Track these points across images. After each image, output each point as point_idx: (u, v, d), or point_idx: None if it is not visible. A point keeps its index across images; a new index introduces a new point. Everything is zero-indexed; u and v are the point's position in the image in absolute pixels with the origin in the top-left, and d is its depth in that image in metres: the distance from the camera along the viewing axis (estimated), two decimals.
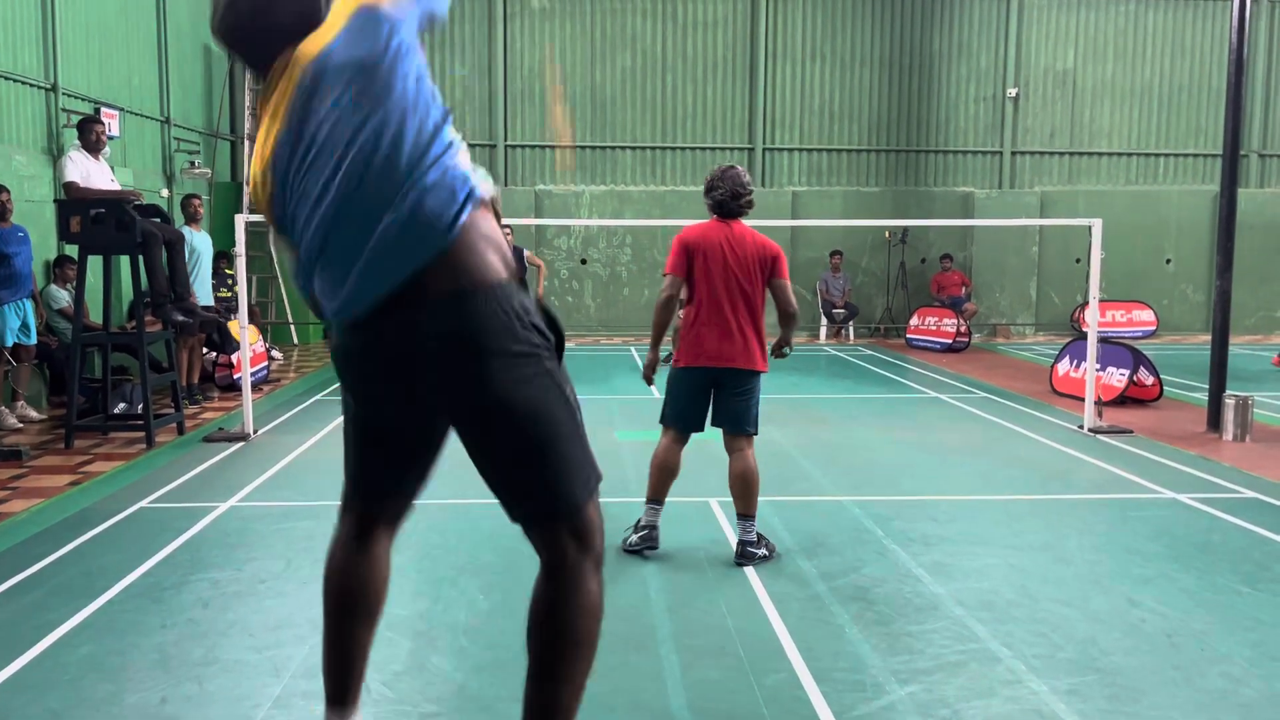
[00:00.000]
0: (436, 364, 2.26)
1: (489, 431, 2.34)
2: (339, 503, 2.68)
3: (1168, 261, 18.01)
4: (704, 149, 17.37)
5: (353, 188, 2.20)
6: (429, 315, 2.21)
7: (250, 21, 2.35)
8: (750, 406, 5.07)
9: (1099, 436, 8.34)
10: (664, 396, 5.16)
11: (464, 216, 2.21)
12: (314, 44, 2.28)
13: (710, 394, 5.04)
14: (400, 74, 2.26)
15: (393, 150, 2.19)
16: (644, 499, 5.19)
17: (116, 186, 8.56)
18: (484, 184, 2.31)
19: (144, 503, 6.15)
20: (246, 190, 15.36)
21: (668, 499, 5.23)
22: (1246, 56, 8.70)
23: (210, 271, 10.73)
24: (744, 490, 4.97)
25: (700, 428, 5.12)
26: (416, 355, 2.26)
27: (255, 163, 2.39)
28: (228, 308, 11.48)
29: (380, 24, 2.27)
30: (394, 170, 2.19)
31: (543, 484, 2.39)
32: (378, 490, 2.62)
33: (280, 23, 2.33)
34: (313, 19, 2.35)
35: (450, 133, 2.33)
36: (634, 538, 5.13)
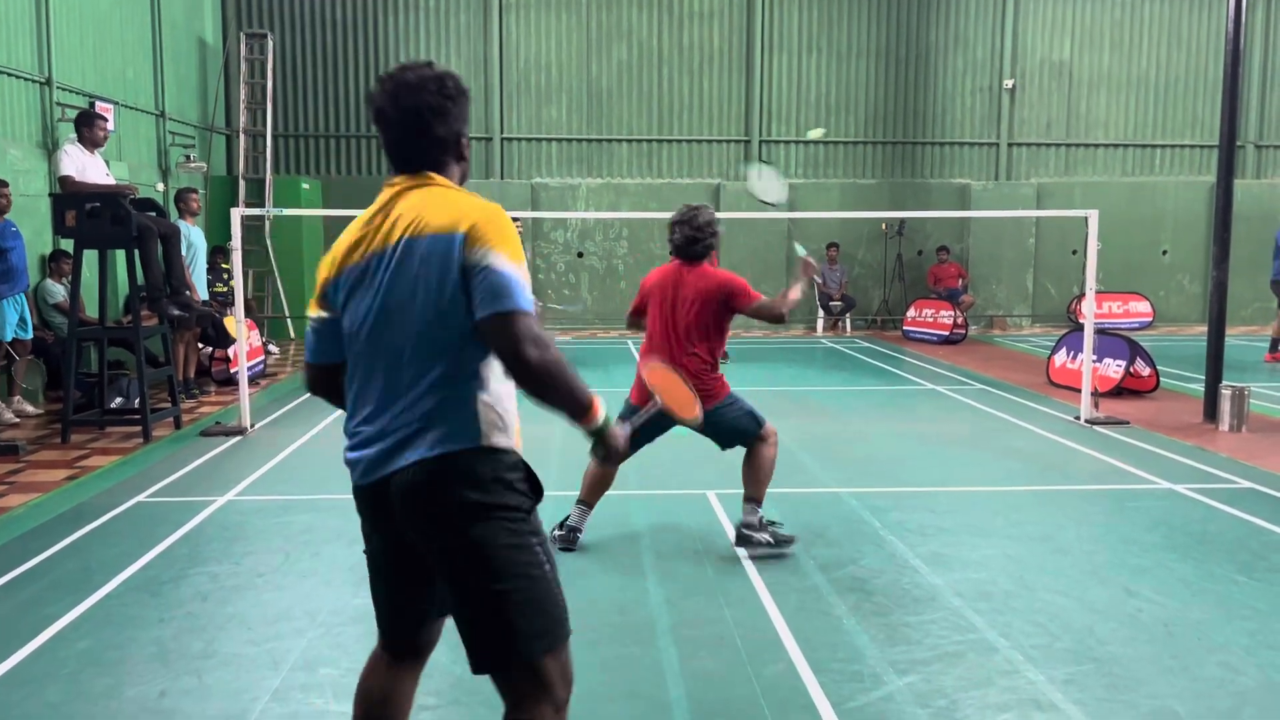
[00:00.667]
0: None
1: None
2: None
3: (1164, 253, 18.02)
4: (700, 141, 17.35)
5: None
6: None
7: (401, 117, 2.56)
8: (732, 425, 4.94)
9: (1096, 427, 8.35)
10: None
11: None
12: (436, 220, 2.35)
13: (660, 425, 4.44)
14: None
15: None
16: (630, 492, 5.16)
17: (112, 181, 8.53)
18: None
19: (141, 497, 6.14)
20: (241, 184, 15.34)
21: (666, 491, 5.22)
22: (1243, 47, 8.69)
23: (206, 266, 10.71)
24: (750, 475, 4.96)
25: (637, 448, 4.66)
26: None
27: (343, 248, 2.55)
28: (224, 302, 11.47)
29: (482, 283, 2.27)
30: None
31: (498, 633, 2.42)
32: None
33: (420, 144, 2.52)
34: (442, 159, 2.52)
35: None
36: (557, 533, 5.04)
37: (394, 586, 2.61)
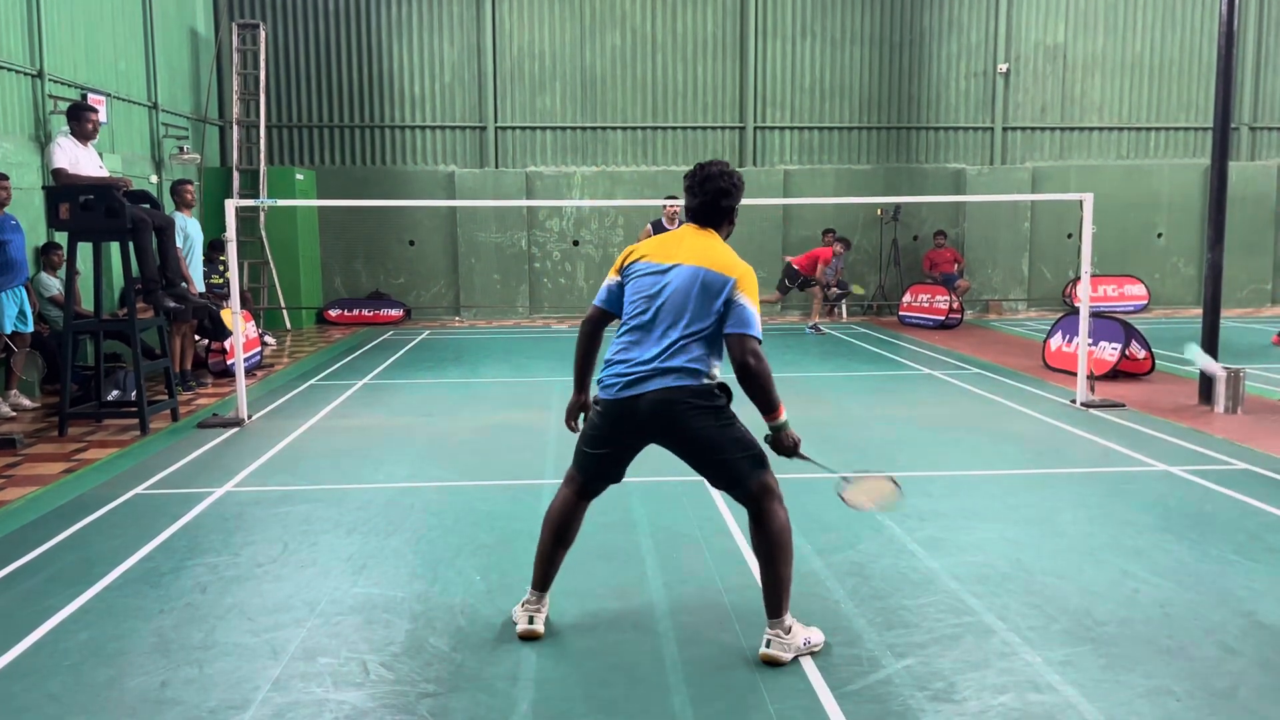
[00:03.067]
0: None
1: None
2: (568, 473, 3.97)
3: (1159, 235, 18.03)
4: (695, 128, 17.31)
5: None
6: None
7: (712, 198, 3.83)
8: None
9: (1091, 410, 8.37)
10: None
11: None
12: (708, 258, 3.73)
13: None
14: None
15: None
16: (629, 480, 5.15)
17: (105, 173, 8.51)
18: None
19: (139, 489, 6.15)
20: (235, 175, 15.30)
21: (665, 478, 5.22)
22: (1237, 29, 8.68)
23: (202, 257, 10.69)
24: None
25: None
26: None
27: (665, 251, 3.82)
28: (220, 294, 11.45)
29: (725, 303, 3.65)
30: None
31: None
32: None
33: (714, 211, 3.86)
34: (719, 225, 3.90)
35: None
36: None
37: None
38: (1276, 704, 3.28)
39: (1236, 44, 8.78)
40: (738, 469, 3.67)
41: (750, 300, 3.63)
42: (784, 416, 3.69)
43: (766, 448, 3.73)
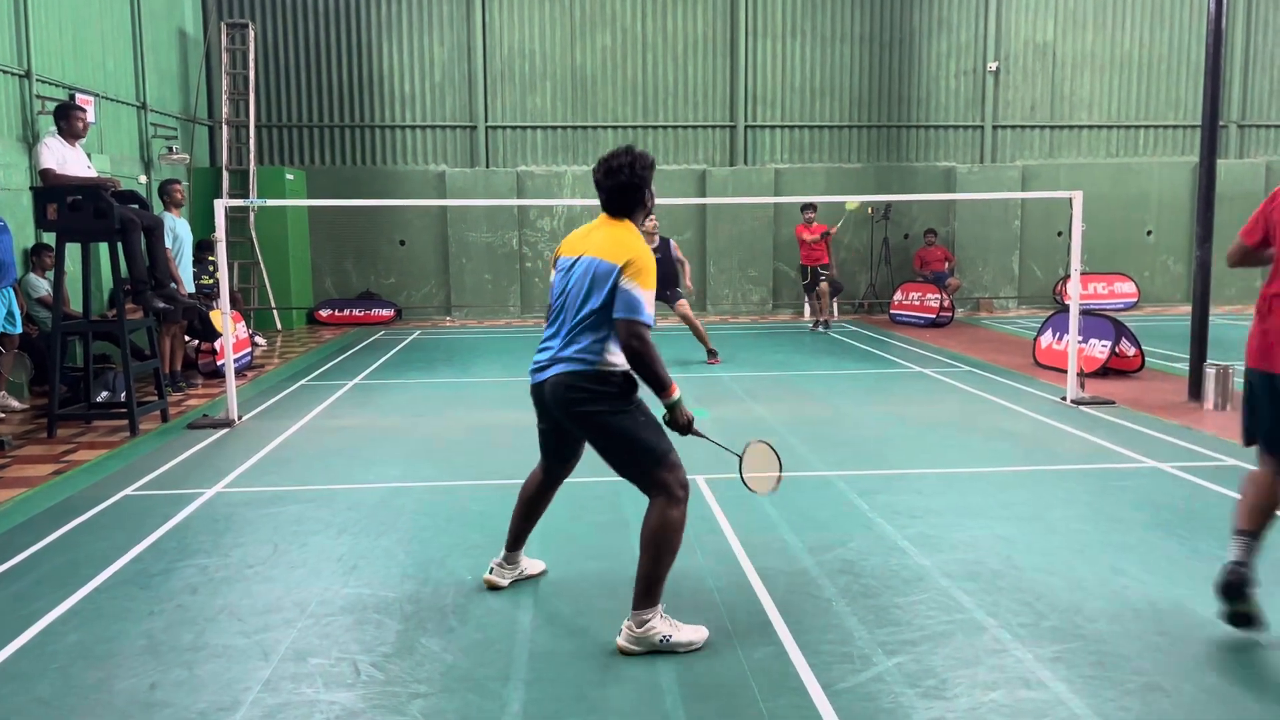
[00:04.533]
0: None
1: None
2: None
3: (1148, 233, 18.09)
4: (686, 127, 17.32)
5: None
6: None
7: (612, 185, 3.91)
8: None
9: (1082, 408, 8.39)
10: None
11: None
12: (602, 248, 3.83)
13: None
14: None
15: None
16: (619, 478, 5.13)
17: (93, 173, 8.47)
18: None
19: (129, 490, 6.12)
20: (225, 175, 15.25)
21: None
22: (1225, 27, 8.71)
23: (192, 257, 10.65)
24: None
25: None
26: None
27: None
28: (210, 295, 11.41)
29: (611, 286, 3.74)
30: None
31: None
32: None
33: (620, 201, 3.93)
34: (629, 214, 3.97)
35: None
36: None
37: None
38: (1266, 700, 3.30)
39: (1224, 42, 8.82)
40: (627, 460, 3.80)
41: (637, 285, 3.69)
42: (676, 395, 3.78)
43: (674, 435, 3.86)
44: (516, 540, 4.39)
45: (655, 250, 10.66)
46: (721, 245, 17.21)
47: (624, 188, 3.85)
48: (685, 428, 3.85)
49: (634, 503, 5.62)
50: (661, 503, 3.73)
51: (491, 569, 4.39)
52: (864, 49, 17.42)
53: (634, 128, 17.26)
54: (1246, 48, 17.91)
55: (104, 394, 8.79)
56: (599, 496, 5.83)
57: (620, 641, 3.71)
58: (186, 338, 10.55)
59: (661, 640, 3.68)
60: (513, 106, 17.08)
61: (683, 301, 11.26)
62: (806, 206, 14.51)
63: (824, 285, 14.63)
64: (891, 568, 4.58)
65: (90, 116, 10.86)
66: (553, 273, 4.06)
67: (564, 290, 3.90)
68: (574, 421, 3.85)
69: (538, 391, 3.96)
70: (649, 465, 3.75)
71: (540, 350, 3.96)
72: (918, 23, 17.44)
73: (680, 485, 3.76)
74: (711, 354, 11.37)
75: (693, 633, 3.77)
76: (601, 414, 3.76)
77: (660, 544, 3.69)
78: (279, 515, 5.53)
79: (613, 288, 3.71)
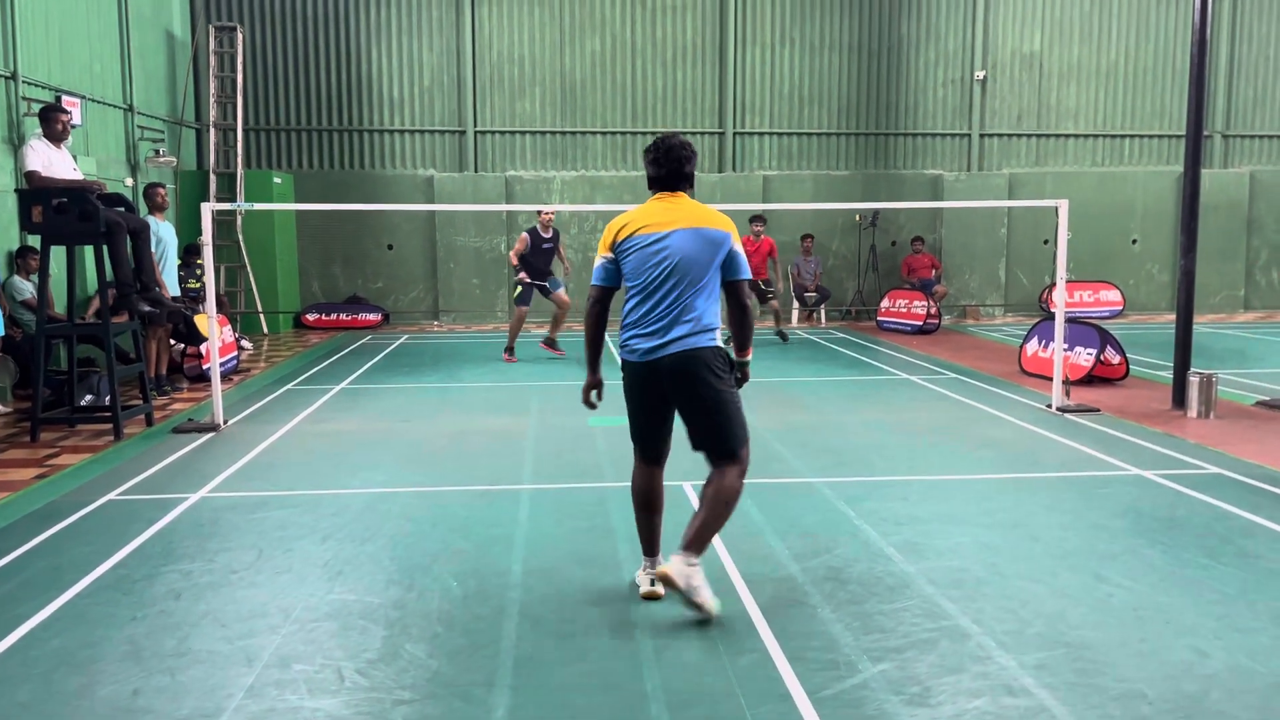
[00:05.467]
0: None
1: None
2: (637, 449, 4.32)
3: (1134, 242, 18.20)
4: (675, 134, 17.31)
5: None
6: None
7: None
8: None
9: (1067, 415, 8.43)
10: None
11: None
12: (699, 217, 4.16)
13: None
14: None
15: None
16: (605, 485, 5.16)
17: (79, 176, 8.43)
18: None
19: (112, 495, 6.09)
20: (212, 178, 15.20)
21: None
22: (1209, 38, 8.78)
23: (176, 261, 10.60)
24: None
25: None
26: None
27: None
28: (196, 299, 11.36)
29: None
30: None
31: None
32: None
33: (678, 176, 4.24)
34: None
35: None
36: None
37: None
38: (1247, 707, 3.32)
39: (1209, 53, 8.89)
40: (726, 428, 4.07)
41: (740, 248, 4.16)
42: (750, 354, 4.33)
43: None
44: (653, 545, 4.35)
45: (548, 240, 11.95)
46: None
47: (684, 160, 4.19)
48: (743, 382, 4.25)
49: (620, 509, 5.63)
50: (739, 471, 4.10)
51: (651, 580, 4.24)
52: (852, 57, 17.50)
53: (623, 133, 17.28)
54: (1231, 58, 18.05)
55: (88, 398, 8.74)
56: (584, 503, 5.83)
57: (671, 571, 3.92)
58: (172, 341, 10.50)
59: (695, 586, 3.94)
60: (502, 111, 17.08)
61: (562, 289, 12.32)
62: (755, 218, 13.87)
63: (774, 303, 13.70)
64: (877, 574, 4.59)
65: (75, 118, 10.82)
66: (606, 253, 4.15)
67: (665, 261, 4.03)
68: (697, 388, 4.01)
69: (651, 368, 4.03)
70: (743, 435, 4.12)
71: (643, 327, 4.05)
72: (906, 31, 17.53)
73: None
74: (552, 344, 12.45)
75: (710, 598, 3.99)
76: (722, 382, 4.06)
77: (730, 504, 4.07)
78: (264, 520, 5.51)
79: (729, 253, 4.08)
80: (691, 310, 4.01)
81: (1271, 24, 18.08)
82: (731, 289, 4.13)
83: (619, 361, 4.25)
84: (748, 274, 4.16)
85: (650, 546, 4.36)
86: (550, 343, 12.42)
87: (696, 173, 17.58)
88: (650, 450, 4.29)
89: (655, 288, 4.04)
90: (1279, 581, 4.47)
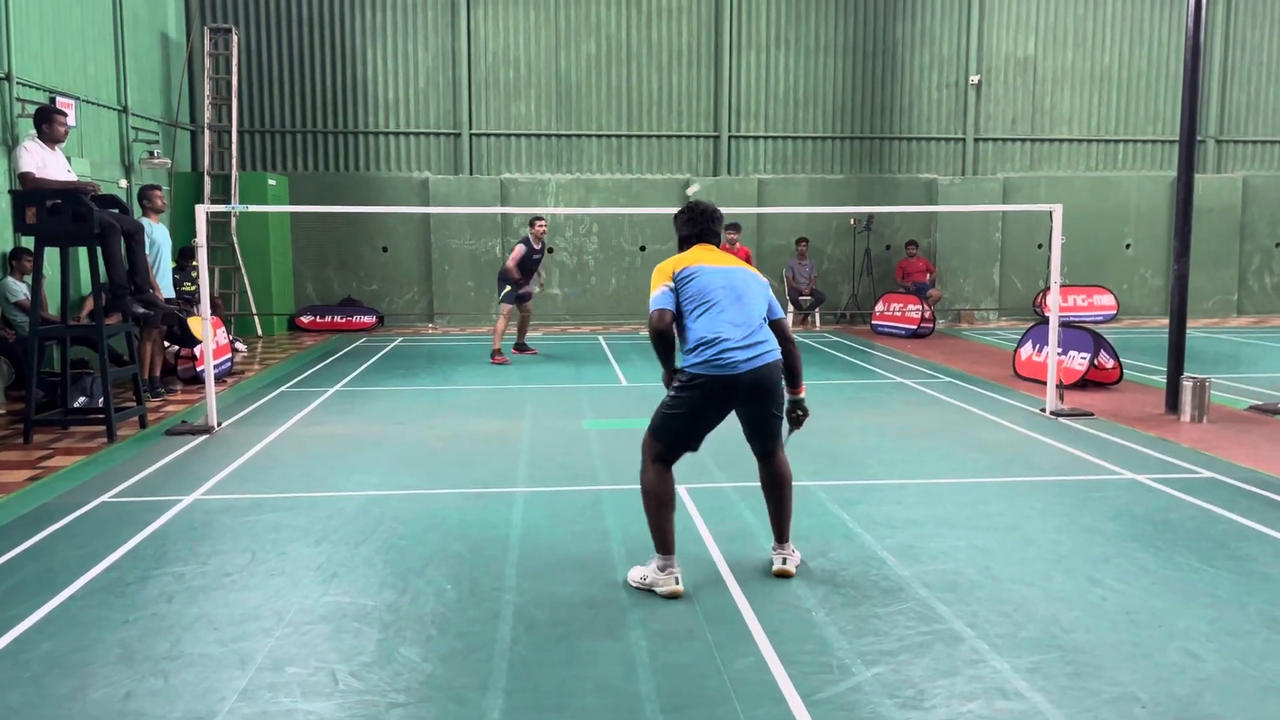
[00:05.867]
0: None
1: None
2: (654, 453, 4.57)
3: (1127, 246, 18.25)
4: (670, 137, 17.36)
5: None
6: None
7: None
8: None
9: (1060, 419, 8.45)
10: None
11: None
12: (746, 265, 4.82)
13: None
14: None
15: None
16: (600, 488, 5.17)
17: (73, 177, 8.41)
18: None
19: (105, 497, 6.07)
20: (207, 180, 15.18)
21: (637, 486, 5.18)
22: (1203, 43, 8.81)
23: (170, 264, 10.58)
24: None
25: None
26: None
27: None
28: (191, 301, 11.34)
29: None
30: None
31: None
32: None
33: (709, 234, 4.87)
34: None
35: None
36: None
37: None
38: (1240, 710, 3.32)
39: (1202, 58, 8.92)
40: (779, 428, 4.71)
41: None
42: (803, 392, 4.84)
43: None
44: (672, 542, 4.58)
45: (537, 253, 12.21)
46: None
47: (715, 220, 4.85)
48: (802, 419, 4.86)
49: (614, 512, 5.64)
50: (786, 458, 4.79)
51: (676, 578, 4.41)
52: (847, 60, 17.53)
53: (618, 137, 17.29)
54: (1224, 64, 18.12)
55: (81, 399, 8.72)
56: (579, 506, 5.83)
57: (792, 568, 4.65)
58: (166, 343, 10.48)
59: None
60: (497, 114, 17.08)
61: (530, 301, 12.64)
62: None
63: None
64: (871, 578, 4.59)
65: (71, 120, 10.79)
66: (668, 282, 4.53)
67: (736, 291, 4.55)
68: (772, 397, 4.55)
69: (735, 380, 4.41)
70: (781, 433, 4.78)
71: (734, 336, 4.42)
72: (901, 35, 17.57)
73: None
74: (523, 348, 12.76)
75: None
76: (783, 391, 4.66)
77: (791, 485, 4.78)
78: (257, 523, 5.50)
79: (771, 300, 4.70)
80: (764, 333, 4.57)
81: (1265, 30, 18.16)
82: (782, 326, 4.68)
83: (689, 375, 4.46)
84: (783, 314, 4.77)
85: (670, 544, 4.47)
86: (521, 347, 12.77)
87: (693, 176, 17.75)
88: (677, 456, 4.60)
89: (723, 312, 4.52)
90: (1271, 585, 4.48)
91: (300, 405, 9.27)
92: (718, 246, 4.81)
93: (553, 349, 13.22)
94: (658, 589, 4.39)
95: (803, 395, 4.76)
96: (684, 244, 4.83)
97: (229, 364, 11.26)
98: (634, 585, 4.46)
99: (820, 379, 11.03)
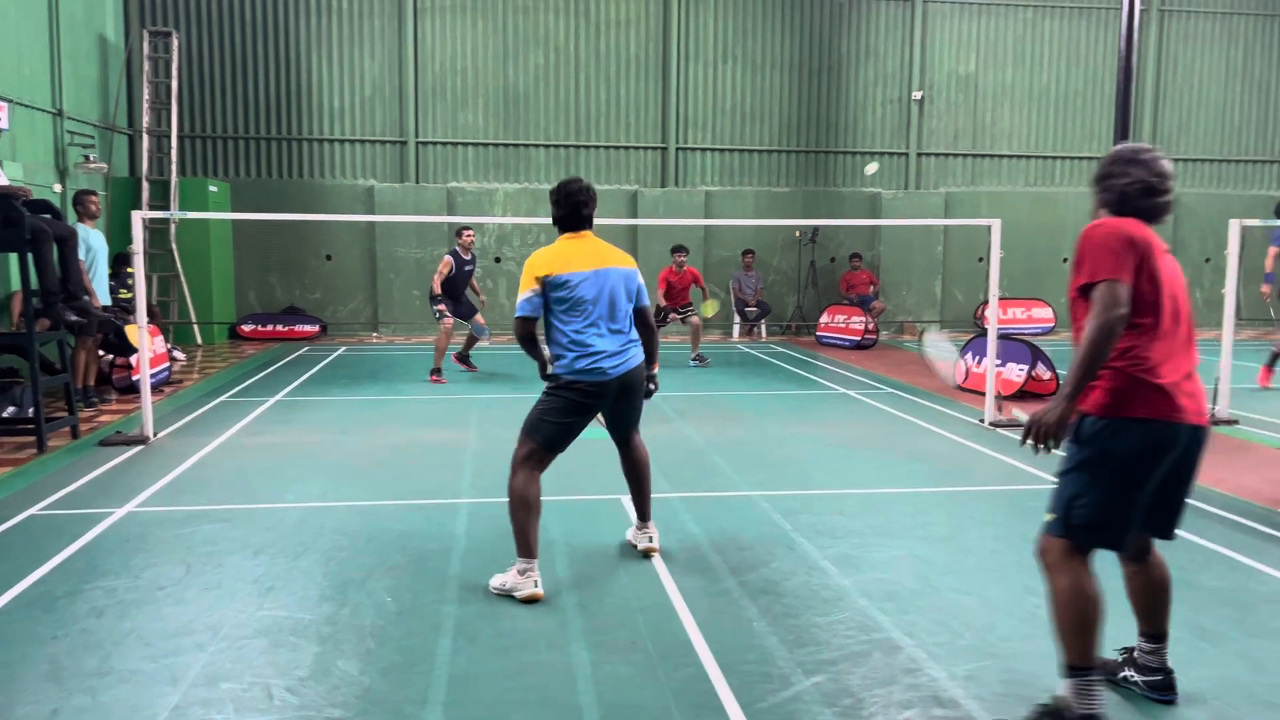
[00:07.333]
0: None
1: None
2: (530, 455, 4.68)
3: (1065, 260, 18.65)
4: (617, 148, 17.41)
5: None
6: None
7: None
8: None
9: (999, 430, 8.60)
10: None
11: None
12: (614, 259, 4.87)
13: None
14: None
15: None
16: (543, 499, 5.14)
17: (4, 181, 8.20)
18: None
19: (34, 509, 5.91)
20: (145, 186, 14.88)
21: (580, 496, 5.21)
22: (1135, 64, 9.06)
23: (106, 271, 10.35)
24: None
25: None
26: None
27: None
28: (127, 309, 11.10)
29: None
30: None
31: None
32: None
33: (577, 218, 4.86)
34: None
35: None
36: None
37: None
38: (1166, 713, 3.40)
39: (1135, 79, 9.17)
40: (638, 416, 5.02)
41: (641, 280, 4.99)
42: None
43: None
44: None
45: (469, 263, 11.78)
46: (652, 266, 17.27)
47: (582, 204, 4.80)
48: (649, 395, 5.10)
49: (558, 523, 5.62)
50: (643, 440, 5.10)
51: (536, 581, 4.49)
52: (793, 75, 17.73)
53: (566, 147, 17.29)
54: (1157, 85, 18.64)
55: (10, 409, 8.48)
56: None
57: (655, 546, 5.07)
58: (101, 352, 10.24)
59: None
60: (444, 122, 16.99)
61: (478, 314, 12.04)
62: (678, 248, 13.36)
63: (696, 319, 13.19)
64: (812, 588, 4.63)
65: (3, 123, 10.52)
66: (534, 287, 4.62)
67: (607, 296, 4.69)
68: (636, 393, 4.84)
69: (604, 386, 4.64)
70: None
71: (605, 347, 4.63)
72: (846, 51, 17.81)
73: None
74: (465, 359, 12.13)
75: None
76: (643, 385, 4.91)
77: (650, 467, 5.12)
78: (193, 535, 5.40)
79: (638, 287, 4.87)
80: (630, 333, 4.81)
81: (1195, 53, 18.71)
82: (646, 314, 4.92)
83: (564, 380, 4.63)
84: (649, 300, 4.98)
85: (533, 549, 4.53)
86: (464, 359, 12.11)
87: (641, 188, 17.75)
88: (552, 458, 4.75)
89: (596, 316, 4.68)
90: (1196, 592, 4.60)
91: (240, 415, 9.12)
92: (589, 229, 4.83)
93: (499, 360, 13.16)
94: (517, 593, 4.45)
95: (655, 371, 5.06)
96: (556, 223, 4.85)
97: (167, 373, 11.03)
98: (494, 591, 4.52)
99: (765, 389, 11.11)
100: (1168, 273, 3.36)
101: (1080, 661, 3.21)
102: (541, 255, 4.69)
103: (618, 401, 4.79)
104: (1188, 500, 3.43)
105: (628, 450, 5.05)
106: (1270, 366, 11.09)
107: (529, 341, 4.70)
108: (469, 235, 11.87)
